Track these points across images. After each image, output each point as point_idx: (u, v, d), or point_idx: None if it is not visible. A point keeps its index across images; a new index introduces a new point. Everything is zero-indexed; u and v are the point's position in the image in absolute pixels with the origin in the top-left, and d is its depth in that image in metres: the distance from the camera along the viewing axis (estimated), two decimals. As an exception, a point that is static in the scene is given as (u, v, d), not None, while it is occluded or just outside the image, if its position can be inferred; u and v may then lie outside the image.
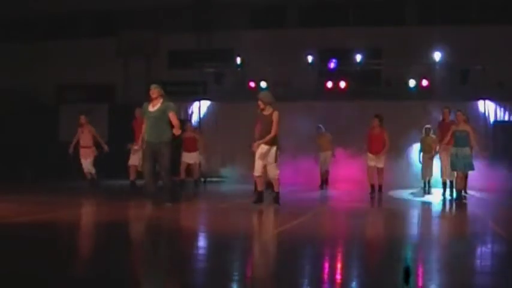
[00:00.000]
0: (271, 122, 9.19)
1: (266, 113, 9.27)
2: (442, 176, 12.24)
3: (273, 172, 9.32)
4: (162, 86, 9.42)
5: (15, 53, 19.17)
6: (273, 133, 9.14)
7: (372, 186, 12.24)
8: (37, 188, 13.55)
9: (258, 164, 9.24)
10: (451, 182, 11.85)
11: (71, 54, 19.08)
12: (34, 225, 7.08)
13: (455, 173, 11.15)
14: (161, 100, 9.16)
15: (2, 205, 9.10)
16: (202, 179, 15.55)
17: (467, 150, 10.63)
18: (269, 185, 10.14)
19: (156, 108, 9.10)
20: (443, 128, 11.94)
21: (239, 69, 17.37)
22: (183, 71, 18.37)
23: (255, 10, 18.96)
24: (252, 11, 19.00)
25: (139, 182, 11.79)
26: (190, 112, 18.70)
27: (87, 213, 9.22)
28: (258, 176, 9.35)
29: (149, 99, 9.22)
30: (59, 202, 10.15)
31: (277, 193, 9.39)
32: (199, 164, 14.60)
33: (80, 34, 20.00)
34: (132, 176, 12.60)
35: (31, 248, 5.45)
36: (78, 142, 12.36)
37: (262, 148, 9.17)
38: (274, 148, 9.26)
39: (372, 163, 12.22)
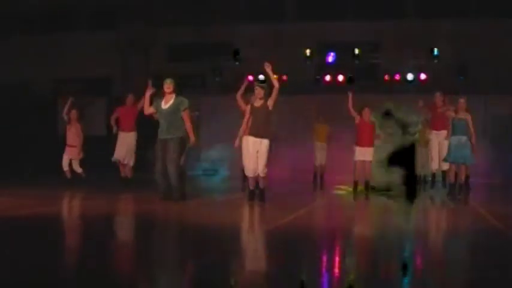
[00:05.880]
0: (267, 113, 8.72)
1: (258, 104, 8.82)
2: (432, 166, 11.39)
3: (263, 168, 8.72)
4: (175, 80, 9.03)
5: (12, 47, 19.10)
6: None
7: (355, 183, 11.33)
8: (35, 181, 13.53)
9: (253, 163, 8.72)
10: (443, 173, 11.03)
11: (69, 47, 19.01)
12: (33, 218, 7.09)
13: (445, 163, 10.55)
14: (174, 95, 8.93)
15: (0, 199, 9.12)
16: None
17: (465, 139, 10.14)
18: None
19: (169, 104, 8.87)
20: (436, 115, 11.27)
21: (237, 62, 17.32)
22: (182, 64, 18.31)
23: (253, 3, 18.89)
24: (250, 4, 18.94)
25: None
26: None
27: (85, 207, 9.23)
28: (253, 177, 8.81)
29: (162, 94, 8.95)
30: (57, 196, 10.16)
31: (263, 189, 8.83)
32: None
33: (78, 27, 19.92)
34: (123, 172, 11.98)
35: (31, 242, 5.45)
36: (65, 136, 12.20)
37: (255, 142, 8.70)
38: (267, 141, 8.71)
39: (359, 157, 11.22)
